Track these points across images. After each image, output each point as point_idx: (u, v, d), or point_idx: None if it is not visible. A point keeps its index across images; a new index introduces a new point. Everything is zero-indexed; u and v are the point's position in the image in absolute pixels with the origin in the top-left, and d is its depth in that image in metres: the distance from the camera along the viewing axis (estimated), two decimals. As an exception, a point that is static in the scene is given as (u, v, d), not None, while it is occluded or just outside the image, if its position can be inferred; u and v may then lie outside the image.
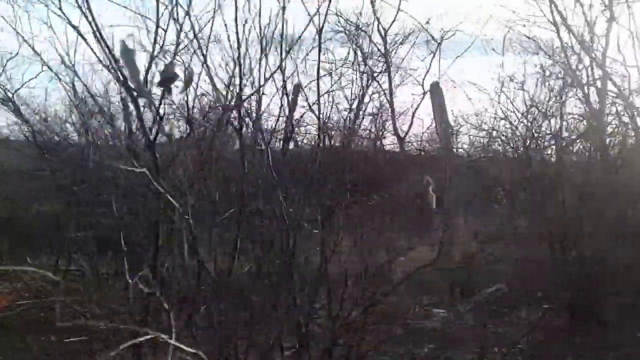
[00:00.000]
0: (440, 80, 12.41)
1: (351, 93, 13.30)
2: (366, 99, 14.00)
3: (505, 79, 9.58)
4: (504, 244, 7.44)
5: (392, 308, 5.86)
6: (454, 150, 11.02)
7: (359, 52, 13.27)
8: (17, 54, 8.04)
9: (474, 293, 6.00)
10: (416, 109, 11.56)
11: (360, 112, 14.19)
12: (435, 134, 10.82)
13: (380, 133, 14.87)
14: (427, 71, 12.81)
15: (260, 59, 3.95)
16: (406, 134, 11.82)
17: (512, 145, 9.37)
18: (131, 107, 3.57)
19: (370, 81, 13.58)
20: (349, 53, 12.30)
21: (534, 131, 9.13)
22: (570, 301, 6.02)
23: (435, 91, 8.76)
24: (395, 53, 12.98)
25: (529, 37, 9.14)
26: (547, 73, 9.61)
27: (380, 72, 13.22)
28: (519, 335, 5.38)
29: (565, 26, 8.01)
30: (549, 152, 9.04)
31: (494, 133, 9.90)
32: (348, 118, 14.04)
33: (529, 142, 9.14)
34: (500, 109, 8.78)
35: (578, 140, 8.71)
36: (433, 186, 7.53)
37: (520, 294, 6.03)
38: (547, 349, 5.27)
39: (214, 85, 4.08)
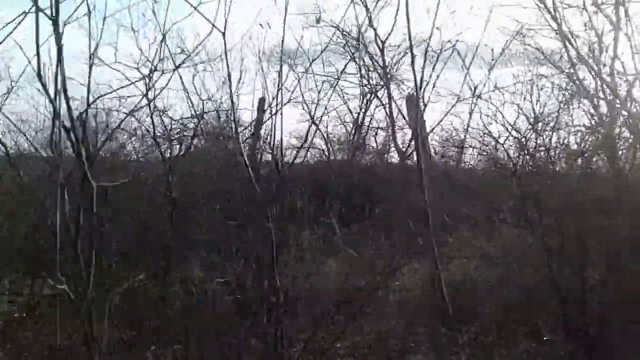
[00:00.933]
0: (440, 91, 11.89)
1: (358, 107, 12.94)
2: (368, 113, 13.83)
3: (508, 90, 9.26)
4: (505, 265, 6.97)
5: (380, 340, 5.49)
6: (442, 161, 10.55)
7: (361, 66, 12.98)
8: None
9: (469, 322, 5.57)
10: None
11: (363, 127, 13.98)
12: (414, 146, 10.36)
13: (387, 147, 14.55)
14: (427, 83, 12.42)
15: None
16: (407, 147, 11.45)
17: (516, 159, 8.95)
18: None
19: (372, 96, 13.29)
20: (345, 66, 11.89)
21: (538, 144, 8.72)
22: (572, 328, 5.54)
23: (411, 103, 8.38)
24: (395, 66, 12.64)
25: (534, 47, 8.74)
26: (553, 84, 9.21)
27: (382, 87, 12.87)
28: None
29: (567, 39, 7.60)
30: (556, 165, 8.59)
31: (497, 147, 9.50)
32: (352, 132, 13.77)
33: (534, 155, 8.73)
34: (488, 120, 8.33)
35: (586, 153, 8.25)
36: None
37: (519, 323, 5.57)
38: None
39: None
